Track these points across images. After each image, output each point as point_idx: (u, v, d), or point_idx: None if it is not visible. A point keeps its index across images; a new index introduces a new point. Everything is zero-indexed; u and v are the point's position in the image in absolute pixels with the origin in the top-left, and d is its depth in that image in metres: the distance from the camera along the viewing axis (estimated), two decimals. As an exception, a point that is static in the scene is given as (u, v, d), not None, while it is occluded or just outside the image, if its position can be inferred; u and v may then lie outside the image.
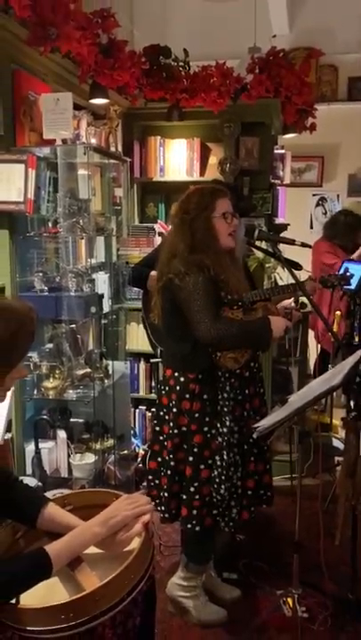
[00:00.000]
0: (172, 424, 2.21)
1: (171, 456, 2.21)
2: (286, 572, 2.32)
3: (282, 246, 2.39)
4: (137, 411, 3.72)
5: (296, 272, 2.27)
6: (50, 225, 2.71)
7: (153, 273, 2.53)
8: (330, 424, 3.59)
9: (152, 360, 3.57)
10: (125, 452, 3.28)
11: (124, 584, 1.27)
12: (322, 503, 2.70)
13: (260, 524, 2.97)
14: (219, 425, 2.18)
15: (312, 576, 2.40)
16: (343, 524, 2.68)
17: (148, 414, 3.66)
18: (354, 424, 2.54)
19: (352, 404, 2.46)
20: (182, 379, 2.19)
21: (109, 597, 1.24)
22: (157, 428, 2.32)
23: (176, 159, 3.77)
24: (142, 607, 1.39)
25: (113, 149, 3.27)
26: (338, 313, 3.23)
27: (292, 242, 2.32)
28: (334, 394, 2.98)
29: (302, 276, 2.41)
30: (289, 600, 2.24)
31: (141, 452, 3.47)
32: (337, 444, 3.66)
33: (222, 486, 2.16)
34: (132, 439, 3.53)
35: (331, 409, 3.41)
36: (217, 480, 2.16)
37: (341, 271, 2.63)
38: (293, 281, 2.25)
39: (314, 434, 2.82)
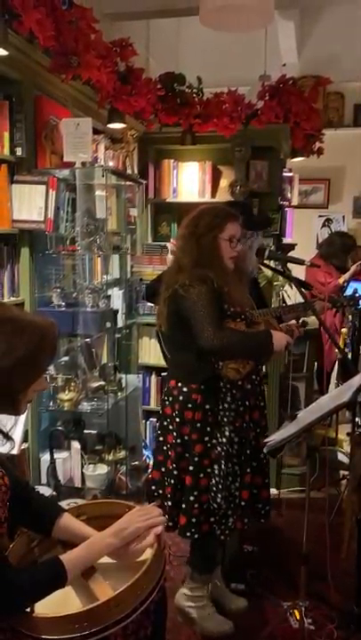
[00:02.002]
0: (175, 433, 2.24)
1: (174, 465, 2.24)
2: (293, 583, 2.35)
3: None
4: (148, 422, 3.77)
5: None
6: (68, 243, 2.79)
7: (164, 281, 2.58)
8: (335, 438, 3.64)
9: (163, 373, 3.64)
10: (137, 462, 3.32)
11: (136, 594, 1.30)
12: (327, 516, 2.74)
13: (267, 536, 3.00)
14: (219, 435, 2.21)
15: (318, 588, 2.43)
16: (349, 538, 2.72)
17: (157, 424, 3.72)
18: (360, 440, 2.59)
19: (358, 420, 2.52)
20: (185, 389, 2.23)
21: (123, 607, 1.26)
22: (161, 438, 2.35)
23: (189, 181, 3.88)
24: (154, 617, 1.40)
25: (129, 172, 3.36)
26: (344, 330, 3.32)
27: (301, 262, 2.40)
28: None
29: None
30: (296, 612, 2.27)
31: (152, 463, 3.51)
32: (342, 458, 3.70)
33: (219, 495, 2.19)
34: (143, 450, 3.57)
35: (336, 424, 3.47)
36: (214, 489, 2.19)
37: (350, 292, 2.71)
38: (301, 299, 2.32)
39: (321, 448, 2.87)
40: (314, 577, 2.29)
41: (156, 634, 1.46)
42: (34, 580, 1.27)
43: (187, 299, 2.13)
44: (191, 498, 2.20)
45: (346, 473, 3.45)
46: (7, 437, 1.36)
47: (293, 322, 2.39)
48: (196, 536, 2.21)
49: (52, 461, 2.72)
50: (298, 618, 2.22)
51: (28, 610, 1.28)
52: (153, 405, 3.78)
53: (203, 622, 2.38)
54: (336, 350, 3.19)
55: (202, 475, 2.20)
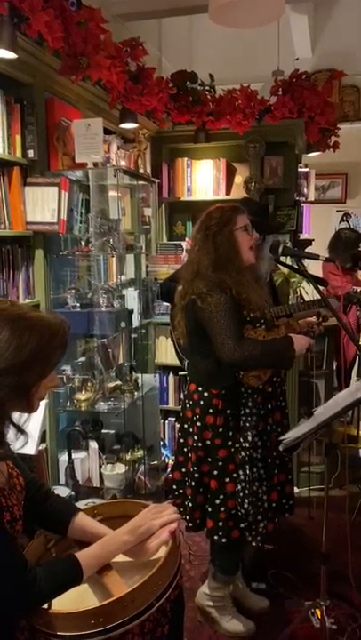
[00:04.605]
0: (196, 437, 2.23)
1: (195, 468, 2.23)
2: (314, 583, 2.32)
3: (305, 260, 2.43)
4: (166, 422, 3.77)
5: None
6: (82, 244, 2.80)
7: (180, 288, 2.59)
8: (356, 436, 3.59)
9: (181, 373, 3.64)
10: (155, 462, 3.32)
11: (152, 590, 1.30)
12: (349, 515, 2.70)
13: (288, 535, 2.98)
14: (242, 439, 2.19)
15: (340, 587, 2.41)
16: (371, 536, 2.67)
17: (178, 425, 3.72)
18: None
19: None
20: (206, 394, 2.21)
21: (138, 603, 1.27)
22: (181, 440, 2.35)
23: (203, 179, 3.87)
24: (171, 616, 1.40)
25: (142, 171, 3.36)
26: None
27: (316, 257, 2.35)
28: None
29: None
30: (317, 611, 2.24)
31: (171, 462, 3.50)
32: (363, 455, 3.64)
33: (246, 500, 2.17)
34: (162, 450, 3.56)
35: (358, 421, 3.42)
36: (241, 494, 2.18)
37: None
38: (317, 296, 2.29)
39: (340, 446, 2.83)
40: (335, 576, 2.26)
41: (174, 633, 1.46)
42: (50, 576, 1.28)
43: (205, 310, 2.10)
44: (217, 502, 2.19)
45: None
46: (21, 431, 1.34)
47: (313, 318, 2.35)
48: (223, 540, 2.20)
49: (70, 461, 2.73)
50: (319, 617, 2.19)
51: (45, 606, 1.29)
52: (171, 405, 3.78)
53: (223, 622, 2.38)
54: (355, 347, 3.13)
55: (227, 479, 2.19)
